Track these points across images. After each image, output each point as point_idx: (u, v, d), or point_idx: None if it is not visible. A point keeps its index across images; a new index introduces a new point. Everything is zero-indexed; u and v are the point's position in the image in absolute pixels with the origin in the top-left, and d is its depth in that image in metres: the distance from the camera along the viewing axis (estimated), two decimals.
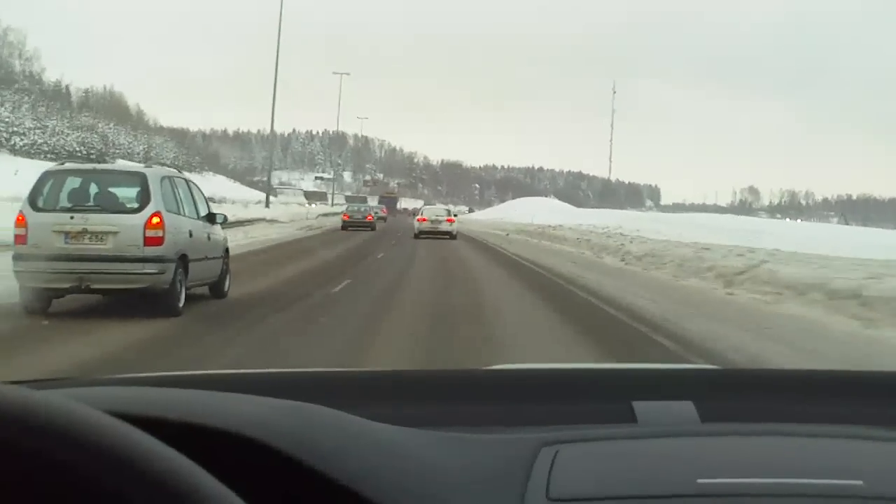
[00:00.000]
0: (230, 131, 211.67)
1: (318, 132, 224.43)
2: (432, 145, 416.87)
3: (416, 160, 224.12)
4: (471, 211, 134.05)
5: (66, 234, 8.33)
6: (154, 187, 8.68)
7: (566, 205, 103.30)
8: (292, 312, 9.40)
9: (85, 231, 8.36)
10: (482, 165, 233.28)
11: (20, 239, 8.34)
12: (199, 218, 9.84)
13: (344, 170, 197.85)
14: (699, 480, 0.92)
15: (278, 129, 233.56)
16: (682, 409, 1.26)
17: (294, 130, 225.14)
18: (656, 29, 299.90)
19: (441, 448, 0.98)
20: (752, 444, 1.10)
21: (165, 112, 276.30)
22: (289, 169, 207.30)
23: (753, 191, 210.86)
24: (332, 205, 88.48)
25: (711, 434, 1.16)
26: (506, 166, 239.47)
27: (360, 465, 0.84)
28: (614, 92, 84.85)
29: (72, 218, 8.39)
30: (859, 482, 0.92)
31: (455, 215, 37.69)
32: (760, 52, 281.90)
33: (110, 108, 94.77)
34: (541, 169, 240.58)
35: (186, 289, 8.98)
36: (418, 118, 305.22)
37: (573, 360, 6.59)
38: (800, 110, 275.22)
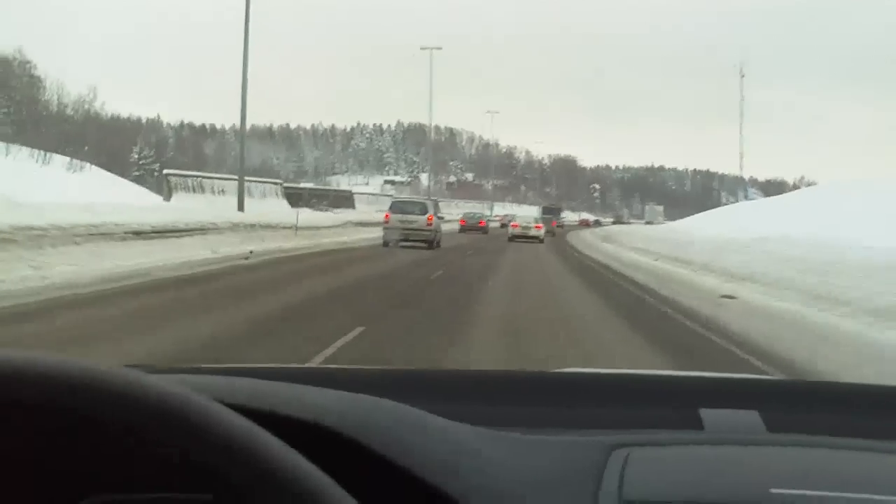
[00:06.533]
0: (276, 127, 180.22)
1: (388, 125, 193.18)
2: (533, 143, 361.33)
3: (516, 156, 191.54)
4: (633, 219, 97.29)
5: (401, 220, 25.38)
6: (429, 206, 26.36)
7: None
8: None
9: (407, 220, 25.47)
10: (594, 166, 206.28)
11: (386, 222, 25.58)
12: (436, 216, 26.75)
13: (422, 170, 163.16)
14: (772, 490, 0.92)
15: (338, 125, 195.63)
16: (748, 418, 1.27)
17: (359, 124, 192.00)
18: (795, 28, 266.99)
19: (516, 449, 1.01)
20: (820, 456, 1.09)
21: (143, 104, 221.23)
22: (350, 172, 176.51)
23: None
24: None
25: (779, 444, 1.15)
26: (621, 166, 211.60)
27: (444, 463, 0.87)
28: (742, 76, 69.89)
29: (403, 215, 25.51)
30: None
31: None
32: None
33: None
34: (662, 168, 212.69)
35: (436, 242, 25.81)
36: (516, 113, 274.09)
37: None
38: None
